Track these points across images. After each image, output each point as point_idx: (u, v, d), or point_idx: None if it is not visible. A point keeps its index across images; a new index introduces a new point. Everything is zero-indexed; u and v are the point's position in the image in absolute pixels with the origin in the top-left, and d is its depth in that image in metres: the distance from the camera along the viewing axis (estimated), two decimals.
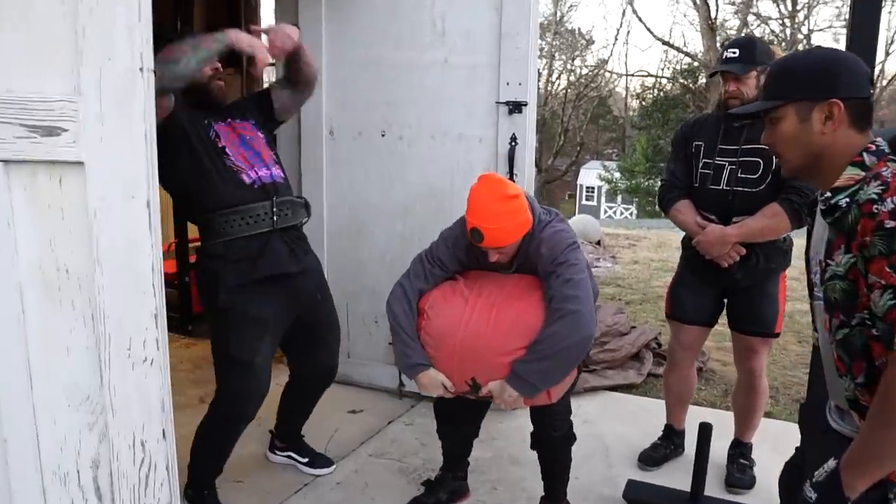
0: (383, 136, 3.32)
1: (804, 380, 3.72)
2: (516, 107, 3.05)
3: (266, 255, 2.24)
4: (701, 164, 2.52)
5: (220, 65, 2.25)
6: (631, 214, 28.08)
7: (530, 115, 3.10)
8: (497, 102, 3.08)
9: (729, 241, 2.42)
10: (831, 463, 1.37)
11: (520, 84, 3.04)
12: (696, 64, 22.23)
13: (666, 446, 2.89)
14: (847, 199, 1.29)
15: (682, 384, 2.81)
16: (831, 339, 1.35)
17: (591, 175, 31.21)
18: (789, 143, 1.43)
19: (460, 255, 2.24)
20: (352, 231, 3.46)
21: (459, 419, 2.39)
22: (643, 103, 24.94)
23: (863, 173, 1.30)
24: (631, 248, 9.57)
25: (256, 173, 2.27)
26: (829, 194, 1.33)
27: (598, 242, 9.10)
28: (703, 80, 20.99)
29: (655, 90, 24.59)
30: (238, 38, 2.08)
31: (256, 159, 2.30)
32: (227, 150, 2.24)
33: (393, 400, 3.43)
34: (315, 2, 3.30)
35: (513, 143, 3.09)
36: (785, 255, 2.54)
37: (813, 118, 1.37)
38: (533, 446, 2.33)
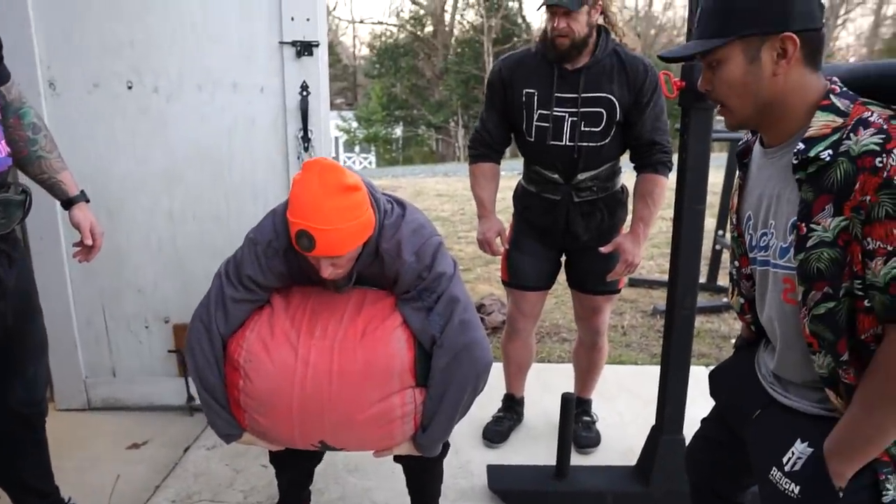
0: (131, 88, 2.55)
1: None
2: (305, 48, 2.51)
3: None
4: (537, 116, 2.22)
5: None
6: (370, 163, 28.21)
7: (323, 57, 2.58)
8: (281, 42, 2.51)
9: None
10: (803, 448, 1.21)
11: (308, 19, 2.50)
12: (422, 12, 22.66)
13: (509, 417, 2.70)
14: (830, 152, 1.07)
15: (523, 352, 2.61)
16: (804, 313, 1.15)
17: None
18: (735, 90, 1.19)
19: (277, 265, 1.65)
20: (99, 213, 2.56)
21: (303, 454, 1.86)
22: (374, 51, 24.94)
23: (839, 119, 1.10)
24: None
25: None
26: (801, 146, 1.11)
27: None
28: (430, 27, 21.50)
29: (384, 38, 24.68)
30: None
31: None
32: None
33: (183, 419, 2.76)
34: None
35: (304, 93, 2.55)
36: (625, 207, 2.40)
37: (763, 58, 1.14)
38: (397, 459, 1.90)
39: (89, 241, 1.83)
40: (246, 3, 2.48)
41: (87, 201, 1.86)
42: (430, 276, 1.62)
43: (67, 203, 1.82)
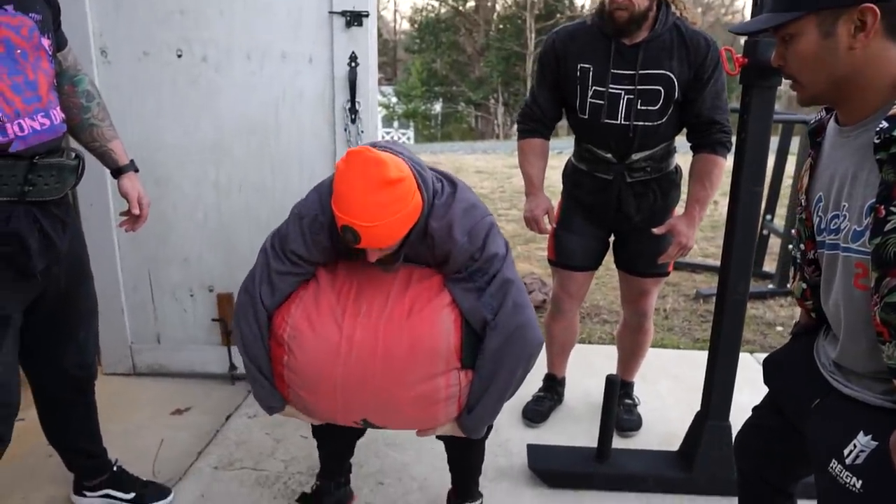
0: (180, 56, 2.55)
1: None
2: (355, 18, 2.48)
3: (3, 237, 1.49)
4: (591, 93, 2.14)
5: None
6: (409, 139, 28.17)
7: (372, 28, 2.55)
8: (331, 12, 2.48)
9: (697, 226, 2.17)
10: (867, 441, 1.15)
11: None
12: None
13: (550, 397, 2.68)
14: None
15: (567, 333, 2.57)
16: (876, 301, 1.09)
17: None
18: (808, 65, 1.13)
19: (322, 240, 1.63)
20: (147, 182, 2.57)
21: (342, 428, 1.87)
22: (416, 26, 24.78)
23: None
24: None
25: (20, 128, 1.46)
26: (885, 124, 1.04)
27: None
28: (472, 2, 21.22)
29: (425, 12, 24.48)
30: None
31: (30, 95, 1.48)
32: None
33: (225, 388, 2.80)
34: None
35: (353, 64, 2.53)
36: (678, 189, 2.33)
37: (839, 31, 1.08)
38: (440, 437, 1.87)
39: (136, 211, 1.85)
40: None
41: (137, 171, 1.88)
42: (483, 258, 1.59)
43: (117, 172, 1.84)
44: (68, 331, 1.79)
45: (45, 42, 1.54)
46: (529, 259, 5.07)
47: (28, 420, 1.98)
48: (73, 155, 1.65)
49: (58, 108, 1.59)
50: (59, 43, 1.68)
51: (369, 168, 1.44)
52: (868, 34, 1.07)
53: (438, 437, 1.85)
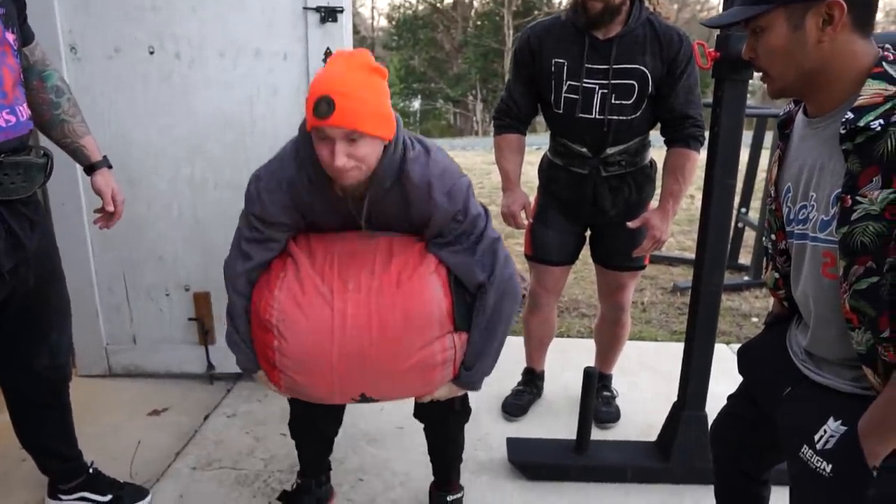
0: (152, 53, 2.52)
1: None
2: (330, 14, 2.47)
3: None
4: (566, 87, 2.15)
5: None
6: None
7: (347, 23, 2.54)
8: (305, 8, 2.47)
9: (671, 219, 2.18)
10: (836, 426, 1.18)
11: None
12: None
13: (529, 391, 2.69)
14: (881, 121, 1.02)
15: (544, 327, 2.59)
16: (844, 289, 1.11)
17: None
18: (777, 58, 1.15)
19: (283, 199, 1.57)
20: (120, 180, 2.55)
21: (322, 423, 1.89)
22: (393, 23, 24.73)
23: (892, 88, 1.05)
24: None
25: None
26: (850, 115, 1.06)
27: None
28: None
29: (403, 9, 24.44)
30: None
31: None
32: None
33: (204, 388, 2.78)
34: None
35: (328, 60, 2.50)
36: (653, 183, 2.35)
37: (807, 25, 1.10)
38: (418, 415, 1.93)
39: (111, 208, 1.82)
40: None
41: (110, 167, 1.85)
42: (467, 220, 1.60)
43: (90, 168, 1.81)
44: (40, 332, 1.76)
45: (10, 36, 1.51)
46: None
47: (0, 423, 1.95)
48: (42, 153, 1.63)
49: (24, 105, 1.56)
50: (26, 37, 1.65)
51: (355, 53, 1.47)
52: (836, 28, 1.08)
53: (417, 414, 1.92)
